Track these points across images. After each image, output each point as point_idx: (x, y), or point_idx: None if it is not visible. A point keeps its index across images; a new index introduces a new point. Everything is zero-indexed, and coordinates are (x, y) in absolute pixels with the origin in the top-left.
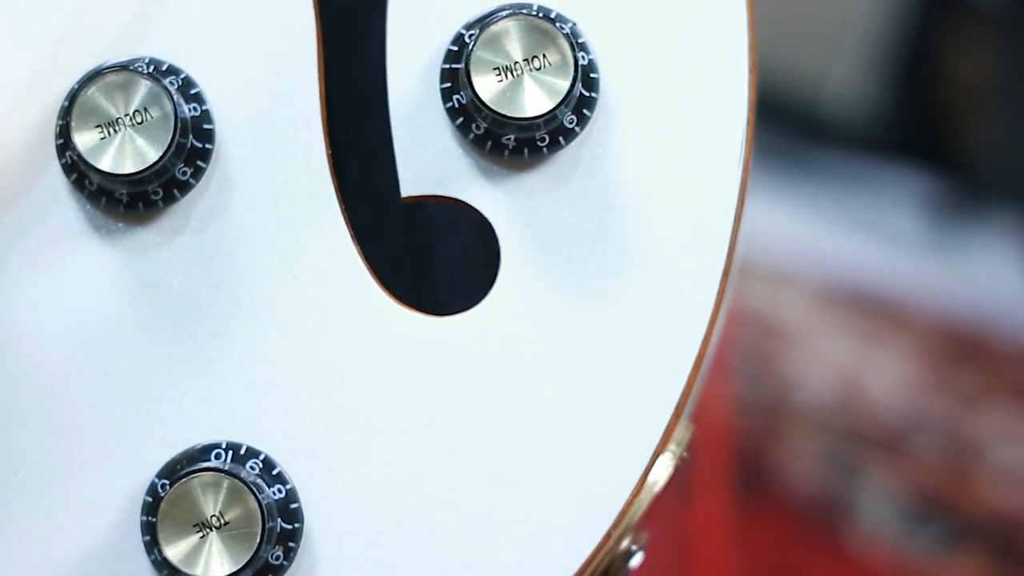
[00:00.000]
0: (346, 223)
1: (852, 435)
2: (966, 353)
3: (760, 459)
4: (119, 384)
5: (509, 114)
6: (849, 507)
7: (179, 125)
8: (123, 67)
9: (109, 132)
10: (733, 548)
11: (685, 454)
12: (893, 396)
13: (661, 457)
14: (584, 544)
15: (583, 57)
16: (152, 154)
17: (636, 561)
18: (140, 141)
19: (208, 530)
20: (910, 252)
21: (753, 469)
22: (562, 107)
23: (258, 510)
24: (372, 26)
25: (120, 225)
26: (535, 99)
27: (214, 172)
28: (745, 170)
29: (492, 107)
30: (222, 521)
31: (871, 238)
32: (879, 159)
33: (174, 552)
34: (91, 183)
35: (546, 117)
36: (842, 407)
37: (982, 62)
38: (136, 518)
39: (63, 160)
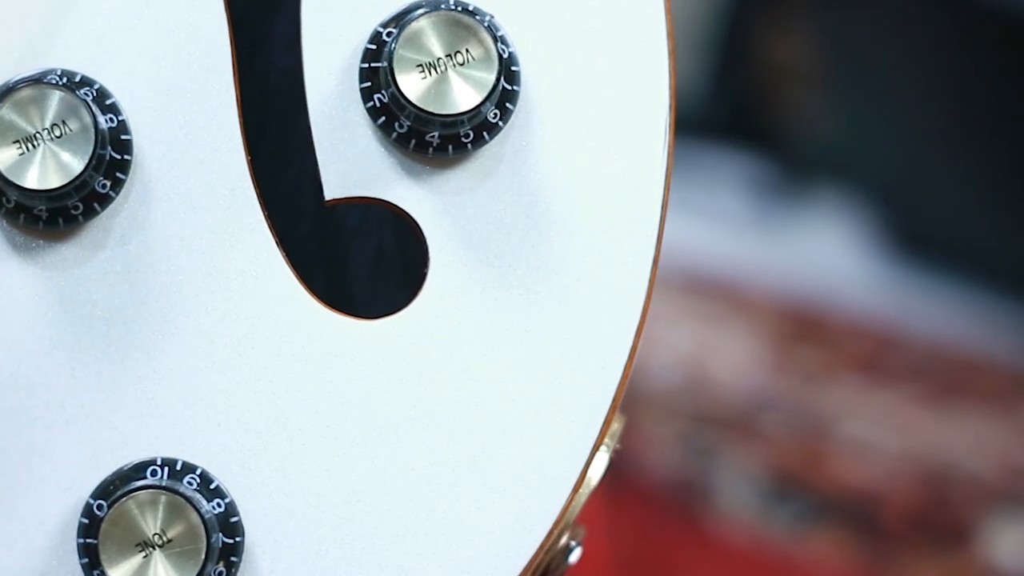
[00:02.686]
0: (269, 228)
1: (702, 418)
2: (805, 331)
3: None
4: (45, 404)
5: (438, 111)
6: (707, 489)
7: (99, 136)
8: (35, 80)
9: (28, 147)
10: (600, 538)
11: (618, 446)
12: (738, 377)
13: (599, 451)
14: (528, 543)
15: (504, 50)
16: (76, 166)
17: (575, 556)
18: (61, 154)
19: (151, 549)
20: (741, 233)
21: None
22: (487, 101)
23: (201, 525)
24: (286, 27)
25: (40, 242)
26: (463, 94)
27: (133, 184)
28: (670, 156)
29: (419, 105)
30: (164, 539)
31: (701, 221)
32: (702, 142)
33: (118, 574)
34: (8, 200)
35: (472, 112)
36: (689, 391)
37: (799, 42)
38: (71, 541)
39: None
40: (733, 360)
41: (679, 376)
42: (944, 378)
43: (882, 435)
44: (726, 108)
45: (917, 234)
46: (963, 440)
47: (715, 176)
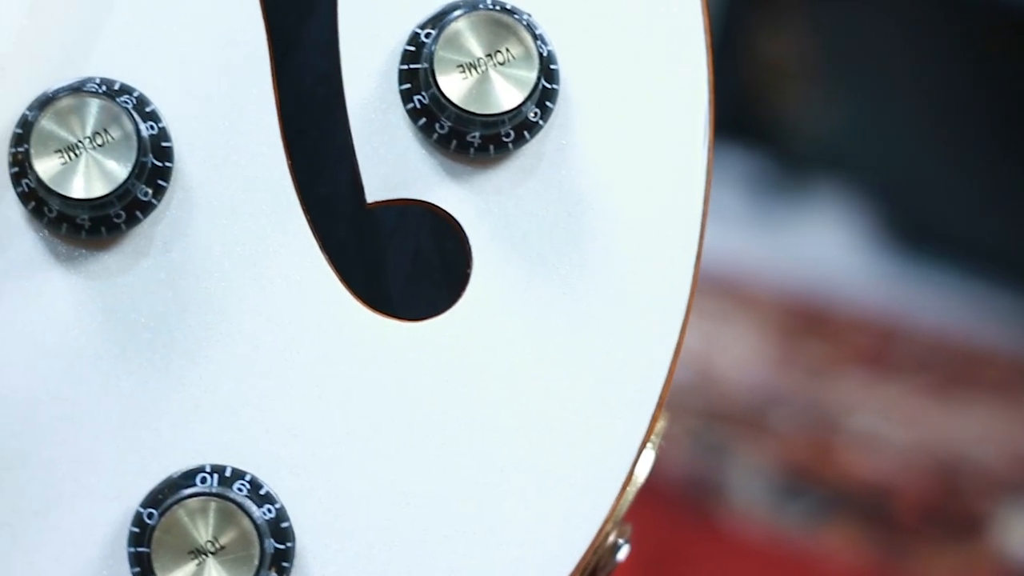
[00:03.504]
0: (312, 232)
1: (712, 415)
2: (809, 325)
3: None
4: (92, 415)
5: (480, 111)
6: (719, 486)
7: (141, 144)
8: (75, 89)
9: (70, 157)
10: None
11: (663, 444)
12: (745, 373)
13: (645, 448)
14: (577, 542)
15: (543, 48)
16: (120, 174)
17: (623, 554)
18: (105, 163)
19: (204, 556)
20: (741, 230)
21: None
22: (529, 100)
23: (254, 531)
24: (320, 31)
25: (82, 251)
26: (505, 93)
27: (175, 190)
28: (710, 151)
29: (461, 105)
30: (217, 546)
31: None
32: None
33: None
34: (50, 210)
35: (513, 111)
36: (698, 388)
37: (793, 39)
38: (121, 551)
39: (19, 189)
40: (740, 356)
41: (688, 373)
42: (949, 369)
43: (890, 428)
44: (721, 105)
45: (916, 226)
46: (971, 431)
47: (714, 173)
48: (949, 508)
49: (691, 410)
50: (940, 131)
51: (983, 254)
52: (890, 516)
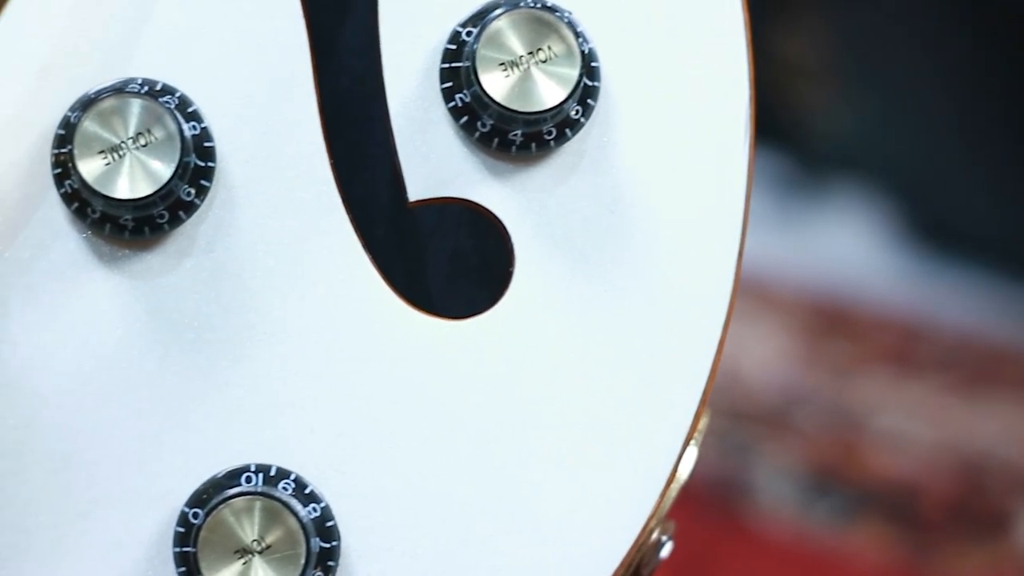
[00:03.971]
0: (355, 231)
1: (738, 415)
2: (833, 325)
3: None
4: (136, 415)
5: (522, 109)
6: (747, 486)
7: (184, 144)
8: (117, 90)
9: (114, 157)
10: None
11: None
12: (770, 373)
13: (689, 446)
14: (621, 540)
15: (584, 45)
16: (164, 174)
17: (666, 551)
18: (149, 163)
19: (250, 555)
20: (762, 231)
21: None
22: (571, 97)
23: (300, 530)
24: (357, 31)
25: (125, 252)
26: (547, 90)
27: (217, 190)
28: (751, 147)
29: (503, 103)
30: (263, 545)
31: None
32: None
33: None
34: (94, 211)
35: (556, 109)
36: (723, 387)
37: (811, 39)
38: (166, 551)
39: (62, 190)
40: (764, 356)
41: None
42: (973, 367)
43: (915, 426)
44: None
45: (937, 225)
46: (996, 429)
47: None
48: (974, 506)
49: (717, 410)
50: (960, 129)
51: (1005, 252)
52: (916, 515)
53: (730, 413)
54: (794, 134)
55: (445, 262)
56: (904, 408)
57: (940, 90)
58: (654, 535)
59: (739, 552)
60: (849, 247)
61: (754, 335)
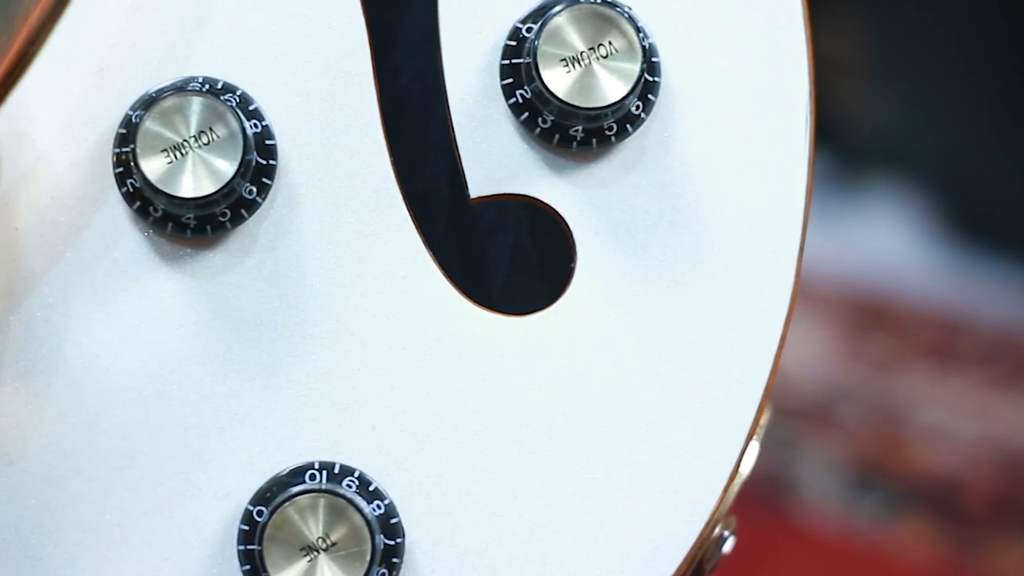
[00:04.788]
0: (416, 228)
1: (781, 410)
2: (874, 320)
3: None
4: (199, 413)
5: (584, 104)
6: (791, 482)
7: (247, 142)
8: (179, 88)
9: (176, 156)
10: None
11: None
12: (812, 369)
13: (752, 441)
14: (686, 535)
15: (645, 40)
16: (228, 171)
17: (728, 546)
18: (212, 161)
19: (315, 553)
20: None
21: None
22: (632, 93)
23: (365, 527)
24: (414, 29)
25: (187, 251)
26: (609, 85)
27: (279, 188)
28: (812, 141)
29: (565, 99)
30: (329, 542)
31: None
32: None
33: None
34: (156, 210)
35: (617, 104)
36: None
37: (847, 34)
38: (230, 549)
39: (123, 189)
40: (806, 352)
41: None
42: (1014, 362)
43: (958, 421)
44: None
45: (975, 219)
46: None
47: None
48: (1018, 500)
49: None
50: (997, 123)
51: None
52: (960, 509)
53: (773, 408)
54: (833, 131)
55: (506, 258)
56: (946, 403)
57: (978, 85)
58: (716, 530)
59: (784, 548)
60: (889, 242)
61: (795, 331)
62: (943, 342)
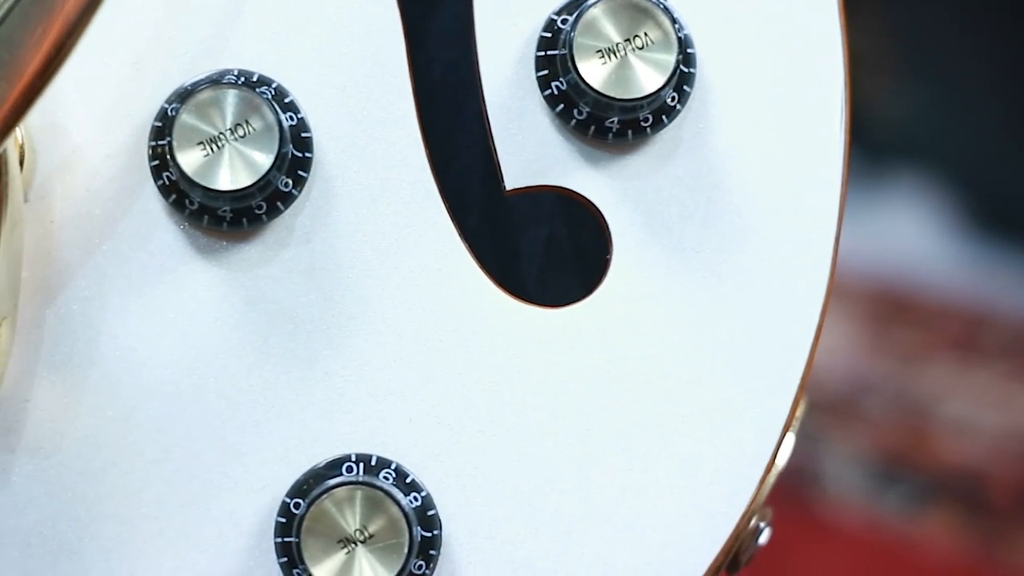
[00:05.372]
0: (452, 220)
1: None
2: (897, 313)
3: None
4: (236, 405)
5: (621, 96)
6: (817, 474)
7: (283, 134)
8: (214, 81)
9: (212, 149)
10: None
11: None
12: (836, 361)
13: (787, 433)
14: (722, 527)
15: (681, 31)
16: (264, 164)
17: (764, 538)
18: (249, 153)
19: (353, 545)
20: None
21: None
22: (668, 84)
23: (403, 519)
24: (447, 21)
25: (223, 243)
26: (646, 77)
27: (315, 181)
28: (847, 132)
29: (601, 91)
30: (366, 534)
31: None
32: None
33: (324, 572)
34: (192, 203)
35: (653, 96)
36: None
37: (867, 28)
38: (267, 541)
39: (159, 182)
40: (830, 345)
41: None
42: None
43: (982, 413)
44: None
45: (996, 211)
46: None
47: None
48: None
49: None
50: (1018, 116)
51: None
52: (985, 501)
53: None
54: (854, 126)
55: (536, 251)
56: (970, 395)
57: (999, 79)
58: (753, 521)
59: (810, 540)
60: (911, 235)
61: None
62: (966, 334)
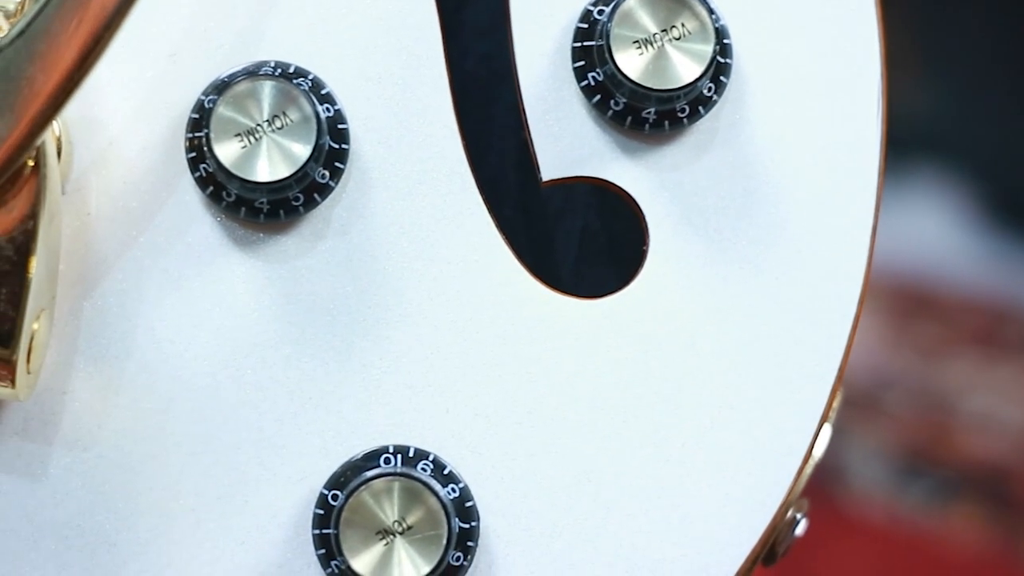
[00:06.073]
0: (488, 211)
1: None
2: (919, 307)
3: None
4: (273, 397)
5: (658, 86)
6: (840, 470)
7: (320, 125)
8: (251, 73)
9: (250, 140)
10: None
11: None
12: (858, 356)
13: (825, 424)
14: (759, 518)
15: (717, 21)
16: (303, 155)
17: (801, 529)
18: (287, 145)
19: (392, 536)
20: None
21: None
22: (705, 74)
23: (441, 510)
24: (495, 10)
25: (260, 235)
26: (683, 67)
27: (351, 172)
28: (884, 123)
29: (639, 81)
30: (404, 526)
31: None
32: None
33: (362, 563)
34: (229, 195)
35: (690, 86)
36: None
37: (890, 26)
38: (305, 533)
39: (196, 174)
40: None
41: None
42: None
43: (1005, 408)
44: None
45: (1018, 206)
46: None
47: None
48: None
49: None
50: None
51: None
52: (1008, 496)
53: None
54: None
55: (571, 242)
56: (993, 390)
57: (1020, 74)
58: (789, 513)
59: (834, 535)
60: (933, 230)
61: None
62: (989, 329)
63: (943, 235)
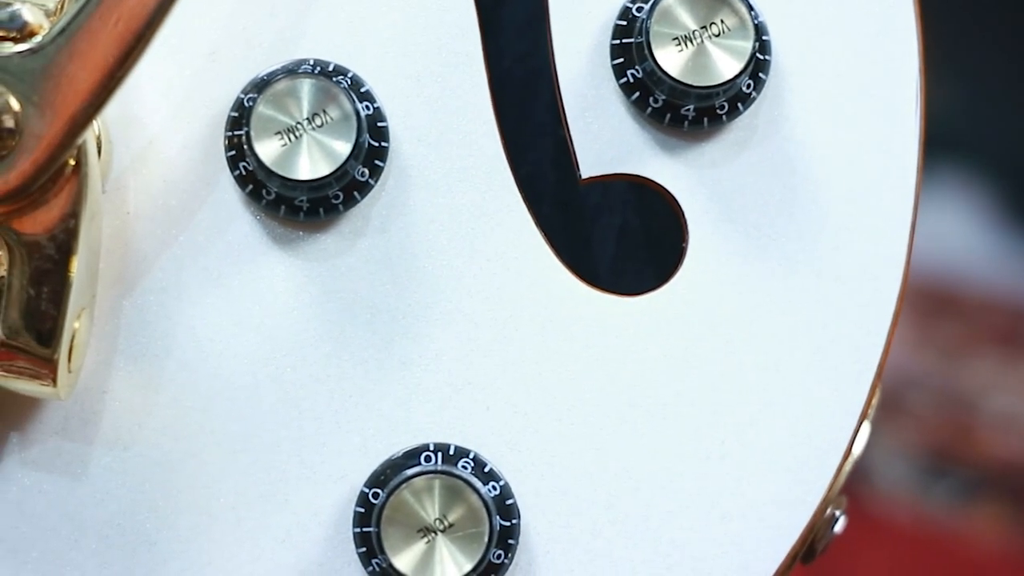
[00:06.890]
0: (527, 209)
1: None
2: (941, 308)
3: None
4: (313, 396)
5: (698, 83)
6: (864, 470)
7: (360, 123)
8: (291, 71)
9: (290, 138)
10: None
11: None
12: None
13: (864, 421)
14: (800, 515)
15: (757, 18)
16: (343, 152)
17: (840, 526)
18: (327, 143)
19: (433, 534)
20: None
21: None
22: (745, 71)
23: (483, 507)
24: (533, 8)
25: (300, 234)
26: (723, 63)
27: (391, 170)
28: (922, 119)
29: (679, 78)
30: (446, 523)
31: None
32: None
33: (404, 561)
34: (268, 193)
35: (729, 83)
36: None
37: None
38: (346, 531)
39: (236, 172)
40: None
41: None
42: None
43: None
44: None
45: None
46: None
47: None
48: None
49: None
50: None
51: None
52: None
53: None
54: None
55: (609, 240)
56: (1015, 389)
57: None
58: (829, 510)
59: (858, 534)
60: (955, 230)
61: None
62: (1011, 329)
63: (965, 235)
